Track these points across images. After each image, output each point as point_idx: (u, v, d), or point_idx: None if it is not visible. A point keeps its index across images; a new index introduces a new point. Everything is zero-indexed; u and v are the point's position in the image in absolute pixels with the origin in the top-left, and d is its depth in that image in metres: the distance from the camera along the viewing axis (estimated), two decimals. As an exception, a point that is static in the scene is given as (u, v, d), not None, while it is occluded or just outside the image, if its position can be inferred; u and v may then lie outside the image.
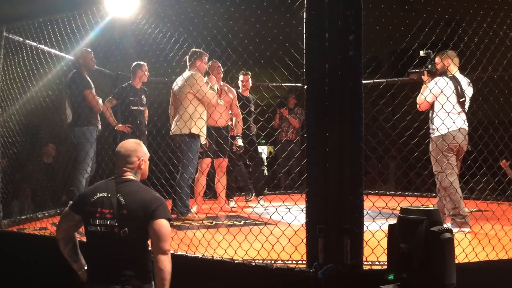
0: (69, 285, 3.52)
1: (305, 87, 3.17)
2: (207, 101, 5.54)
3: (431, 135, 4.72)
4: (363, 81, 3.17)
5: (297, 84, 8.08)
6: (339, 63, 3.07)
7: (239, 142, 6.09)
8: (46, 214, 5.90)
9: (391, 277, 2.55)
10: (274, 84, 7.32)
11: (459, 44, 4.61)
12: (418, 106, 4.81)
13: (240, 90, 6.79)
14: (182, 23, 4.55)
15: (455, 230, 4.42)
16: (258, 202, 6.97)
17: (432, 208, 2.65)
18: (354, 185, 3.05)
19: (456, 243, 2.63)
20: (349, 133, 3.06)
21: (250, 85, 6.82)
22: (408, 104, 4.31)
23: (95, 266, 2.91)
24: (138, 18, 5.09)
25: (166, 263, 2.83)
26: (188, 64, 5.64)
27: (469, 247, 3.51)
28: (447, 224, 4.53)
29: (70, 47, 5.58)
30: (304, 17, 3.15)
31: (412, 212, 2.62)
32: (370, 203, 3.54)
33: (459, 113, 4.66)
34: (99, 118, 6.16)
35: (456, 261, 2.60)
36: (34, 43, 5.41)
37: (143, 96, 6.57)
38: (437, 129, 4.63)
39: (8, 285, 4.27)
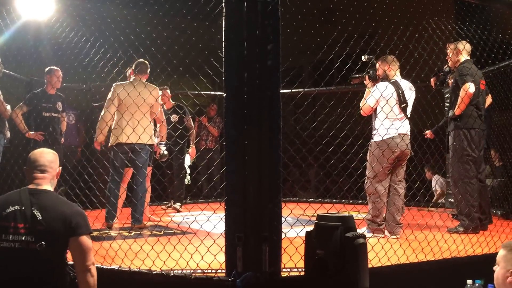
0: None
1: (224, 95, 3.17)
2: (158, 114, 5.69)
3: (371, 140, 4.79)
4: (282, 90, 3.20)
5: (217, 93, 8.11)
6: (257, 72, 3.08)
7: (162, 149, 6.00)
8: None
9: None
10: (194, 92, 7.30)
11: (373, 56, 4.80)
12: (361, 111, 4.86)
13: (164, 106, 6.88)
14: (98, 28, 4.43)
15: (369, 235, 4.57)
16: (178, 211, 6.90)
17: (347, 215, 2.72)
18: (272, 193, 3.07)
19: (369, 247, 2.71)
20: (267, 141, 3.08)
21: (169, 97, 6.94)
22: (324, 113, 4.41)
23: (8, 283, 2.70)
24: (52, 22, 4.89)
25: (89, 278, 2.77)
26: (136, 71, 5.51)
27: (382, 251, 3.63)
28: (362, 229, 4.67)
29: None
30: (223, 25, 3.14)
31: (328, 218, 2.69)
32: (288, 210, 3.58)
33: (400, 118, 4.70)
34: (7, 125, 5.84)
35: (370, 265, 2.68)
36: None
37: (58, 103, 6.33)
38: (377, 134, 4.71)
39: None
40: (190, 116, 7.13)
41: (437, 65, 5.60)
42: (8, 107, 5.82)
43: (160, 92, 6.67)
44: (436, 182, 8.51)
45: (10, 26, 4.94)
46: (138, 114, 5.10)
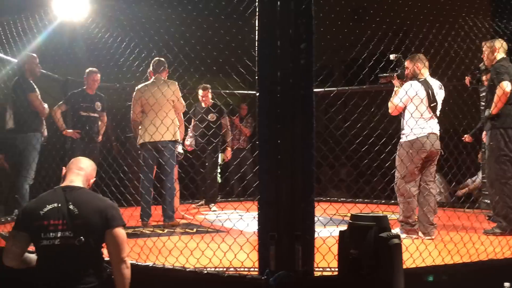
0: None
1: (257, 94, 3.18)
2: (182, 110, 5.70)
3: (401, 139, 4.74)
4: (315, 89, 3.20)
5: (249, 92, 8.13)
6: (290, 71, 3.08)
7: (179, 149, 6.06)
8: (-10, 223, 5.68)
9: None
10: (227, 91, 7.34)
11: (406, 54, 4.74)
12: (390, 110, 4.82)
13: (202, 104, 6.98)
14: (133, 29, 4.50)
15: (403, 236, 4.52)
16: (210, 209, 6.95)
17: (382, 215, 2.70)
18: (305, 192, 3.06)
19: (404, 248, 2.68)
20: (300, 140, 3.07)
21: (210, 97, 7.03)
22: (358, 112, 4.38)
23: (48, 279, 2.77)
24: (88, 23, 4.99)
25: (125, 270, 2.83)
26: (155, 70, 5.59)
27: (416, 252, 3.59)
28: (396, 230, 4.62)
29: (16, 51, 5.41)
30: (256, 24, 3.15)
31: (362, 218, 2.67)
32: (321, 210, 3.57)
33: (429, 118, 4.67)
34: (44, 124, 5.99)
35: (404, 266, 2.65)
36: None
37: (97, 102, 6.46)
38: (406, 134, 4.66)
39: None
40: (226, 117, 7.20)
41: (473, 63, 5.50)
42: (46, 105, 5.97)
43: (200, 92, 6.79)
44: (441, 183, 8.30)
45: (47, 27, 5.05)
46: (160, 113, 5.20)
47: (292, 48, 3.08)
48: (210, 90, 6.97)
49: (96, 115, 6.48)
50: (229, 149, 7.29)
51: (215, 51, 4.28)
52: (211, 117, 6.91)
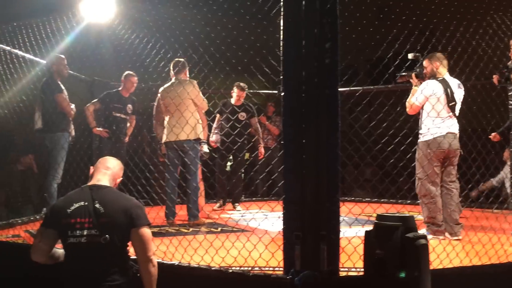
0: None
1: (282, 94, 3.18)
2: (204, 107, 5.70)
3: (418, 140, 4.70)
4: (340, 89, 3.18)
5: (274, 92, 8.12)
6: (315, 70, 3.07)
7: (205, 148, 6.09)
8: (19, 221, 5.80)
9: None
10: (252, 91, 7.35)
11: (430, 53, 4.68)
12: (407, 109, 4.77)
13: (233, 101, 6.96)
14: (159, 29, 4.54)
15: (429, 237, 4.46)
16: (235, 209, 6.97)
17: (408, 215, 2.67)
18: (330, 192, 3.05)
19: (430, 249, 2.65)
20: (325, 140, 3.06)
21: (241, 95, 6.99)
22: (383, 112, 4.35)
23: (74, 277, 2.83)
24: (115, 24, 5.05)
25: (151, 268, 2.88)
26: (174, 71, 5.65)
27: (443, 253, 3.55)
28: (422, 231, 4.57)
29: (44, 52, 5.51)
30: (281, 24, 3.15)
31: (388, 218, 2.64)
32: (347, 209, 3.56)
33: (448, 117, 4.62)
34: (72, 124, 6.09)
35: (431, 267, 2.63)
36: (8, 48, 5.33)
37: (129, 105, 6.59)
38: (423, 134, 4.62)
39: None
40: (256, 117, 7.20)
41: (501, 61, 5.41)
42: (73, 106, 6.07)
43: (236, 90, 6.82)
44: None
45: (74, 28, 5.13)
46: (176, 113, 5.26)
47: (317, 47, 3.07)
48: (245, 91, 6.95)
49: (126, 117, 6.59)
50: (261, 145, 7.28)
51: (240, 51, 4.29)
52: (241, 116, 6.90)
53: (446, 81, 4.66)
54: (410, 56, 4.67)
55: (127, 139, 6.69)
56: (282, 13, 3.15)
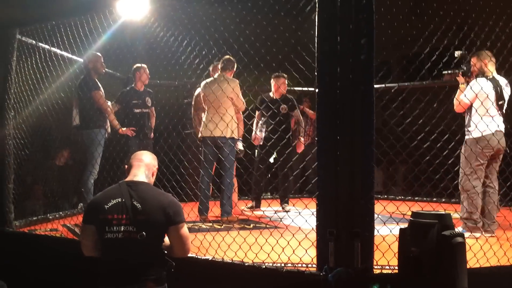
0: (79, 286, 3.56)
1: (317, 90, 3.18)
2: (241, 108, 5.76)
3: (466, 136, 4.70)
4: (375, 85, 3.17)
5: (309, 89, 8.07)
6: (351, 66, 3.06)
7: (240, 145, 6.09)
8: (57, 215, 5.96)
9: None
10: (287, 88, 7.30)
11: (471, 48, 4.60)
12: (455, 107, 4.76)
13: (272, 95, 6.79)
14: (194, 27, 4.58)
15: (466, 234, 4.42)
16: (284, 209, 6.61)
17: (444, 212, 2.65)
18: (365, 189, 3.04)
19: (467, 248, 2.62)
20: (360, 136, 3.05)
21: (282, 87, 6.78)
22: (419, 108, 4.30)
23: (111, 271, 2.89)
24: (150, 22, 5.12)
25: None
26: (220, 67, 5.72)
27: (480, 252, 3.50)
28: (459, 229, 4.52)
29: (82, 50, 5.63)
30: (316, 20, 3.15)
31: (424, 216, 2.62)
32: (381, 207, 3.54)
33: (496, 115, 4.62)
34: (108, 121, 6.21)
35: (468, 266, 2.60)
36: (46, 46, 5.47)
37: (147, 98, 6.60)
38: (471, 131, 4.62)
39: (19, 285, 4.30)
40: (298, 110, 7.03)
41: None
42: (109, 103, 6.19)
43: (272, 81, 6.71)
44: None
45: (111, 27, 5.23)
46: (220, 109, 5.29)
47: (352, 43, 3.07)
48: (285, 78, 6.71)
49: (147, 110, 6.58)
50: (302, 139, 6.98)
51: (274, 48, 4.30)
52: (282, 108, 6.67)
53: (496, 79, 4.67)
54: (456, 53, 4.64)
55: (152, 134, 6.71)
56: (317, 9, 3.16)
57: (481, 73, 4.69)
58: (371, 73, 3.08)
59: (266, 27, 4.23)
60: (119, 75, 7.51)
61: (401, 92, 4.20)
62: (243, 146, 6.15)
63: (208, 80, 5.73)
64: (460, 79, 4.79)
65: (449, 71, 4.79)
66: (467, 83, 4.74)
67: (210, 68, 5.99)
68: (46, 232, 5.14)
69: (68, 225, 5.39)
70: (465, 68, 4.74)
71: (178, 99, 7.82)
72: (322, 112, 3.17)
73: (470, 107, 4.69)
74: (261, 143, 6.66)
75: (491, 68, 4.70)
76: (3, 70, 5.06)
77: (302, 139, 7.00)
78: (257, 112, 6.81)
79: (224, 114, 5.33)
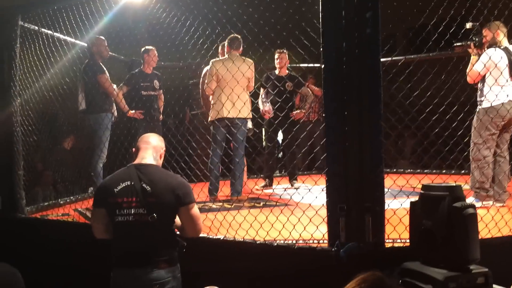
0: (92, 270, 3.61)
1: (323, 66, 3.17)
2: (251, 88, 5.78)
3: (478, 106, 4.69)
4: (382, 59, 3.14)
5: (315, 65, 8.00)
6: (356, 41, 3.04)
7: (249, 124, 6.06)
8: (68, 200, 6.01)
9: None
10: (292, 65, 7.26)
11: (478, 18, 4.55)
12: (469, 78, 4.73)
13: (277, 72, 6.73)
14: (196, 6, 4.54)
15: (478, 204, 4.44)
16: (293, 187, 6.61)
17: (455, 184, 2.65)
18: (374, 164, 3.05)
19: (479, 218, 2.63)
20: (368, 111, 3.04)
21: (286, 62, 6.69)
22: (427, 80, 4.28)
23: (124, 253, 2.92)
24: (152, 3, 5.08)
25: None
26: (232, 47, 5.69)
27: (492, 222, 3.51)
28: (470, 199, 4.54)
29: (85, 33, 5.61)
30: (320, -5, 3.13)
31: (434, 188, 2.63)
32: (391, 181, 3.54)
33: (507, 85, 4.59)
34: (114, 105, 6.21)
35: (480, 237, 2.61)
36: (49, 31, 5.45)
37: (155, 81, 6.55)
38: (483, 101, 4.61)
39: (32, 269, 4.37)
40: (306, 87, 6.98)
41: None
42: (115, 86, 6.19)
43: (276, 56, 6.61)
44: None
45: (112, 9, 5.20)
46: (237, 89, 5.25)
47: (357, 17, 3.04)
48: (286, 53, 6.63)
49: (155, 93, 6.54)
50: (303, 111, 6.90)
51: (278, 25, 4.27)
52: (288, 86, 6.59)
53: (508, 49, 4.65)
54: (467, 25, 4.60)
55: (161, 116, 6.69)
56: (321, -16, 3.12)
57: (493, 44, 4.67)
58: (377, 47, 3.06)
59: (269, 4, 4.19)
60: (122, 58, 7.49)
61: (408, 65, 4.18)
62: (252, 125, 6.15)
63: (222, 58, 5.67)
64: (472, 50, 4.76)
65: (461, 43, 4.75)
66: (479, 55, 4.71)
67: (219, 48, 5.93)
68: (58, 217, 5.20)
69: (79, 209, 5.43)
70: (476, 39, 4.71)
71: (183, 80, 7.79)
72: (329, 88, 3.16)
73: (483, 78, 4.68)
74: (272, 115, 6.52)
75: (502, 38, 4.67)
76: (7, 57, 5.07)
77: (302, 110, 6.92)
78: (261, 90, 6.76)
79: (241, 94, 5.30)
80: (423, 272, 2.50)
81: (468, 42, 4.73)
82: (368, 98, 3.05)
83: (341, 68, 3.07)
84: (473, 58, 4.75)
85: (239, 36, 5.60)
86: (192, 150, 4.99)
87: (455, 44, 4.76)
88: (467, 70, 4.74)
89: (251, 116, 5.68)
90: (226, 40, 5.67)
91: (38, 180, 6.86)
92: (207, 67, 5.94)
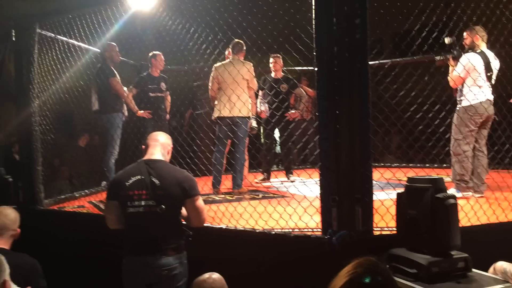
0: (106, 259, 3.60)
1: (316, 69, 3.16)
2: (255, 88, 5.73)
3: (458, 105, 4.69)
4: (369, 62, 3.14)
5: (309, 68, 7.98)
6: (347, 45, 3.03)
7: (253, 123, 6.05)
8: (83, 193, 6.01)
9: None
10: (288, 68, 7.25)
11: (458, 24, 4.56)
12: (452, 83, 4.72)
13: (273, 74, 6.69)
14: (199, 14, 4.54)
15: (458, 195, 4.44)
16: (289, 180, 6.60)
17: (437, 177, 2.65)
18: (363, 158, 3.04)
19: (459, 208, 2.63)
20: (358, 110, 3.04)
21: (281, 66, 6.63)
22: (411, 82, 4.28)
23: (135, 242, 2.92)
24: (159, 11, 5.08)
25: None
26: (233, 51, 5.65)
27: (471, 211, 3.51)
28: (451, 190, 4.55)
29: (97, 40, 5.61)
30: (313, 3, 3.12)
31: (419, 180, 2.64)
32: (379, 174, 3.54)
33: (485, 86, 4.61)
34: (125, 105, 6.20)
35: (460, 225, 2.61)
36: (64, 38, 5.45)
37: (162, 83, 6.53)
38: (464, 100, 4.61)
39: (49, 259, 4.37)
40: (300, 88, 6.94)
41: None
42: (125, 89, 6.19)
43: (271, 60, 6.58)
44: None
45: (122, 17, 5.20)
46: (237, 90, 5.25)
47: (348, 23, 3.03)
48: (280, 57, 6.56)
49: (162, 94, 6.50)
50: (298, 111, 6.87)
51: (275, 31, 4.26)
52: (283, 87, 6.55)
53: (484, 53, 4.66)
54: (446, 40, 4.63)
55: (168, 116, 6.68)
56: (313, -7, 3.11)
57: (471, 48, 4.69)
58: (365, 51, 3.06)
59: (267, 12, 4.18)
60: (132, 62, 7.48)
61: (394, 68, 4.18)
62: (257, 123, 6.13)
63: (224, 62, 5.67)
64: (451, 62, 4.79)
65: (441, 57, 4.77)
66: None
67: (226, 52, 5.92)
68: (73, 209, 5.20)
69: (94, 201, 5.44)
70: (455, 52, 4.73)
71: (188, 82, 7.79)
72: (322, 89, 3.15)
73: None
74: (268, 115, 6.50)
75: (481, 43, 4.69)
76: (26, 62, 5.07)
77: (297, 110, 6.89)
78: (260, 92, 6.75)
79: (241, 94, 5.30)
80: (409, 257, 2.51)
81: (448, 56, 4.76)
82: (358, 98, 3.04)
83: (333, 71, 3.06)
84: (451, 69, 4.78)
85: (242, 42, 5.58)
86: (197, 147, 4.98)
87: (436, 58, 4.81)
88: (449, 77, 4.74)
89: (250, 115, 5.66)
90: (231, 45, 5.66)
91: (56, 175, 6.85)
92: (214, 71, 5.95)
